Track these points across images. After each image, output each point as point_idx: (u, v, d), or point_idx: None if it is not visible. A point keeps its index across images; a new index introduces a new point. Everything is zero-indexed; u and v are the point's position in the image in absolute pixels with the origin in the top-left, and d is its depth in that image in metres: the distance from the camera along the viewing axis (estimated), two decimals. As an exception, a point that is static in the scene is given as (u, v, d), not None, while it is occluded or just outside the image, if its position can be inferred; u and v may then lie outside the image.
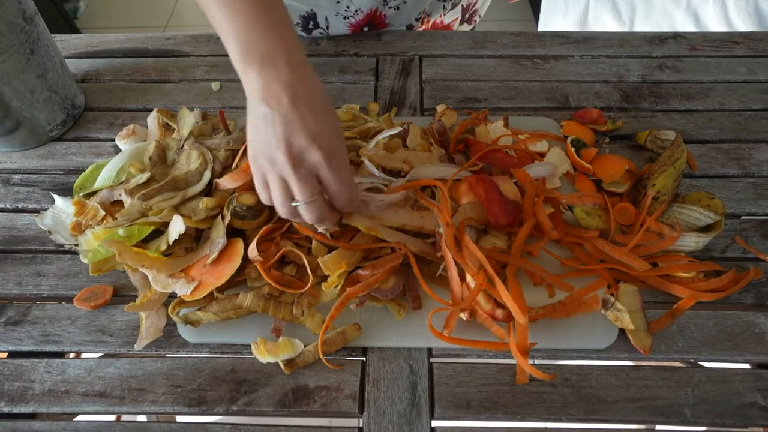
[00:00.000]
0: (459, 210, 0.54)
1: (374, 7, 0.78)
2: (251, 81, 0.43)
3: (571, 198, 0.55)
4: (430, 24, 0.88)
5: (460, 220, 0.52)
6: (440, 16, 0.88)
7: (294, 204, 0.45)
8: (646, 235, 0.54)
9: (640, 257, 0.52)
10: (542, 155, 0.63)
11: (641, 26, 1.27)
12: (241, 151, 0.58)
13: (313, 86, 0.44)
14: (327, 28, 0.80)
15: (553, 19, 1.42)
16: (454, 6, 0.87)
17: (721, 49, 0.78)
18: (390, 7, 0.79)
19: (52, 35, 0.69)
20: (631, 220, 0.56)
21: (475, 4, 0.93)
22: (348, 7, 0.76)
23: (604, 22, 1.32)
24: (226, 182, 0.54)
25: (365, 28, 0.81)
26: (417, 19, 0.84)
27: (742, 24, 1.11)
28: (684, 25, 1.19)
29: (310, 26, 0.80)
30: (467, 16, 0.93)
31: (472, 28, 0.99)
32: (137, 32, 0.84)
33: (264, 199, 0.48)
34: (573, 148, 0.61)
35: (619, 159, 0.61)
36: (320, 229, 0.51)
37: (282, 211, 0.47)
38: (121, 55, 0.80)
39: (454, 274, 0.50)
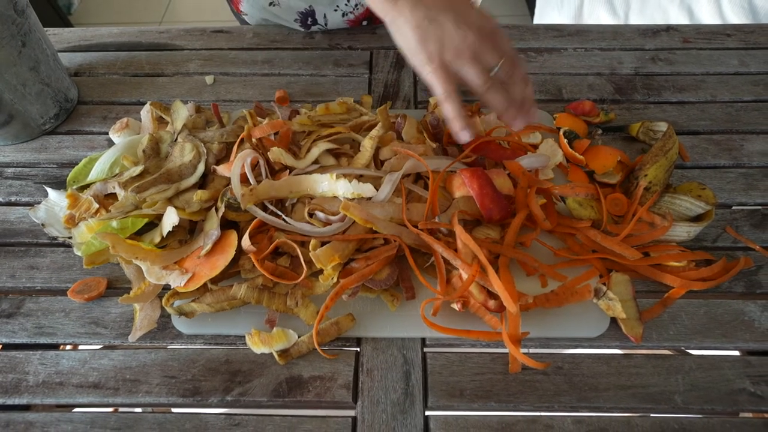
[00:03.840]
0: (453, 204, 0.54)
1: None
2: (404, 3, 0.49)
3: (564, 189, 0.55)
4: None
5: (453, 213, 0.52)
6: None
7: (494, 71, 0.50)
8: (638, 225, 0.55)
9: (632, 247, 0.52)
10: (535, 147, 0.63)
11: (636, 20, 1.27)
12: (237, 143, 0.58)
13: None
14: (325, 24, 0.80)
15: (548, 12, 1.42)
16: None
17: (713, 41, 0.78)
18: None
19: (45, 29, 0.69)
20: (623, 211, 0.56)
21: None
22: (348, 1, 0.76)
23: (599, 16, 1.32)
24: (224, 170, 0.54)
25: (364, 23, 0.81)
26: None
27: (735, 18, 1.11)
28: (678, 19, 1.20)
29: (309, 22, 0.79)
30: None
31: None
32: (131, 27, 0.84)
33: (449, 92, 0.50)
34: (566, 140, 0.61)
35: (611, 150, 0.61)
36: (523, 117, 0.52)
37: (486, 83, 0.49)
38: (115, 48, 0.80)
39: (440, 261, 0.50)
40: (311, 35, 0.81)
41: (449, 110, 0.51)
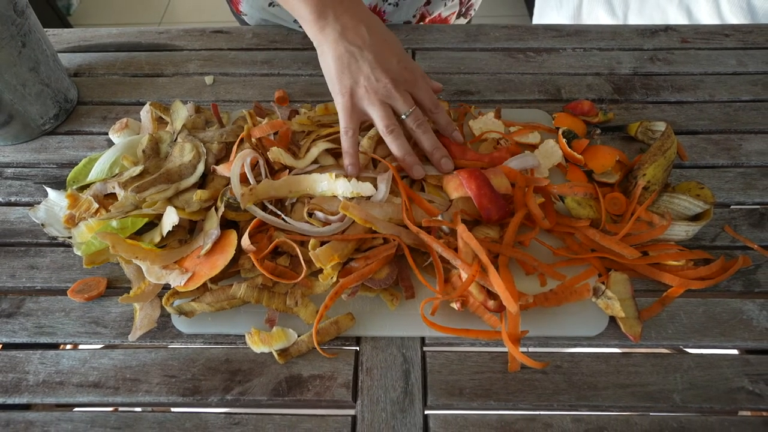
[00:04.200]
0: (452, 204, 0.54)
1: (374, 3, 0.78)
2: (330, 32, 0.51)
3: (562, 188, 0.56)
4: (429, 19, 0.88)
5: (453, 213, 0.52)
6: (439, 13, 0.88)
7: (402, 115, 0.53)
8: (637, 224, 0.55)
9: (630, 246, 0.53)
10: (534, 147, 0.63)
11: (634, 20, 1.27)
12: (236, 143, 0.58)
13: (377, 22, 0.53)
14: None
15: (547, 13, 1.42)
16: None
17: (712, 41, 0.78)
18: (389, 4, 0.79)
19: (45, 30, 0.69)
20: (621, 210, 0.56)
21: None
22: None
23: (598, 16, 1.32)
24: (223, 170, 0.54)
25: None
26: (414, 16, 0.84)
27: (734, 18, 1.11)
28: (677, 19, 1.20)
29: None
30: (464, 9, 0.94)
31: (468, 21, 0.99)
32: (130, 27, 0.84)
33: (350, 130, 0.54)
34: (564, 140, 0.62)
35: (610, 150, 0.61)
36: (440, 165, 0.56)
37: (388, 127, 0.53)
38: (114, 49, 0.80)
39: (437, 260, 0.51)
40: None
41: (344, 145, 0.55)
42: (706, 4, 1.16)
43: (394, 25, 0.83)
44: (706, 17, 1.16)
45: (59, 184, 0.63)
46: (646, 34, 0.80)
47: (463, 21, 0.97)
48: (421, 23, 0.87)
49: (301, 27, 0.80)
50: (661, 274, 0.52)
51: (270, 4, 0.78)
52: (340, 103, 0.53)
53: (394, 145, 0.54)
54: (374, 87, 0.51)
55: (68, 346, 0.54)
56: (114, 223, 0.53)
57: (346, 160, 0.55)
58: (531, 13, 1.73)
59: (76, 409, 0.49)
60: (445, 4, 0.86)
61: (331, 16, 0.51)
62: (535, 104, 0.71)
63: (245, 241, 0.51)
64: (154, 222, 0.55)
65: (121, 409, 0.49)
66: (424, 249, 0.53)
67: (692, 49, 0.77)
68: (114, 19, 2.38)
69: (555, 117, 0.67)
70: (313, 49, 0.77)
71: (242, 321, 0.51)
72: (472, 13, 0.98)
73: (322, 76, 0.75)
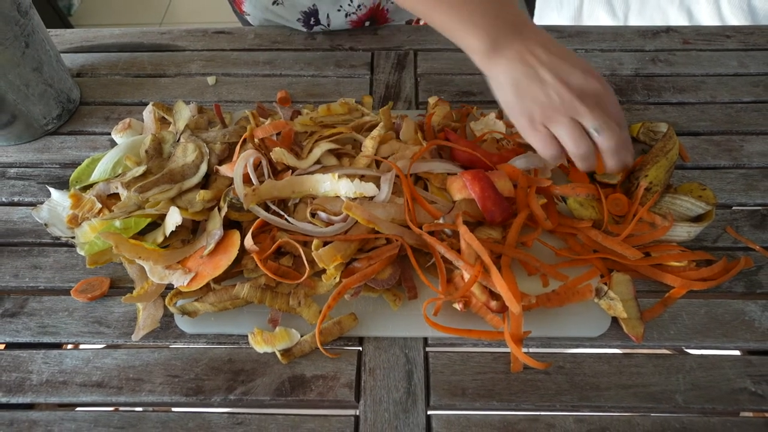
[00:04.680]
0: (455, 206, 0.54)
1: (377, 1, 0.78)
2: (504, 57, 0.47)
3: (564, 189, 0.56)
4: None
5: (456, 214, 0.53)
6: None
7: (593, 131, 0.46)
8: (639, 225, 0.55)
9: (633, 247, 0.53)
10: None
11: (635, 21, 1.27)
12: (239, 143, 0.58)
13: (547, 36, 0.48)
14: (328, 25, 0.80)
15: (548, 13, 1.42)
16: None
17: (713, 42, 0.79)
18: (392, 2, 0.79)
19: (47, 30, 0.69)
20: (623, 211, 0.57)
21: None
22: (351, 1, 0.77)
23: (598, 17, 1.32)
24: (226, 170, 0.55)
25: (366, 23, 0.82)
26: None
27: (735, 19, 1.11)
28: (677, 20, 1.20)
29: (311, 23, 0.80)
30: None
31: None
32: (132, 28, 0.84)
33: (552, 155, 0.48)
34: None
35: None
36: (613, 165, 0.48)
37: (581, 148, 0.46)
38: (117, 49, 0.80)
39: (440, 261, 0.51)
40: (313, 36, 0.81)
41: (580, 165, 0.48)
42: (706, 5, 1.16)
43: (396, 25, 0.83)
44: (707, 18, 1.16)
45: (62, 184, 0.63)
46: (647, 35, 0.80)
47: None
48: (423, 24, 0.87)
49: (303, 27, 0.80)
50: (663, 275, 0.52)
51: (274, 3, 0.78)
52: (529, 133, 0.48)
53: (583, 166, 0.48)
54: (559, 107, 0.45)
55: (69, 346, 0.54)
56: (117, 223, 0.53)
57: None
58: (531, 14, 1.74)
59: (79, 408, 0.49)
60: None
61: (503, 44, 0.47)
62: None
63: (248, 242, 0.51)
64: (157, 222, 0.55)
65: (124, 408, 0.49)
66: (427, 249, 0.53)
67: (694, 50, 0.77)
68: (115, 19, 2.38)
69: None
70: (315, 49, 0.77)
71: (245, 321, 0.51)
72: None
73: (324, 76, 0.75)
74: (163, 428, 0.46)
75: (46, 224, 0.58)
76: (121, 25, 2.33)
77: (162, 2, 2.45)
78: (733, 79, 0.73)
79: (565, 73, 0.46)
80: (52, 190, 0.60)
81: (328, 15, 0.78)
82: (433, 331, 0.50)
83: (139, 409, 0.49)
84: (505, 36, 0.47)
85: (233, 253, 0.51)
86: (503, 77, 0.47)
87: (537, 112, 0.47)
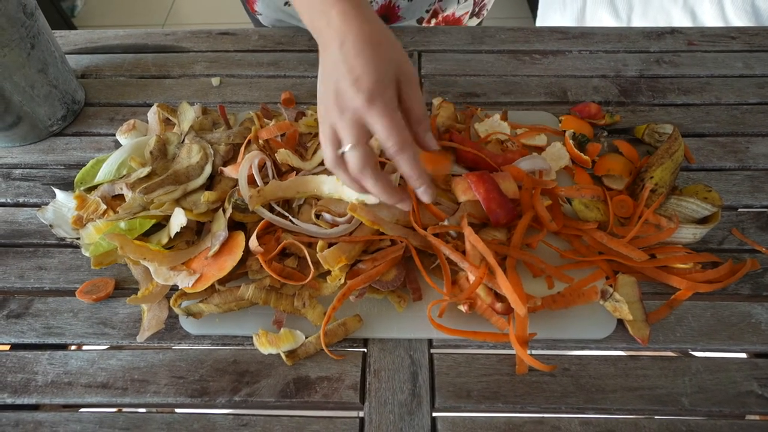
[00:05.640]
0: (460, 207, 0.54)
1: None
2: (317, 38, 0.45)
3: (570, 190, 0.56)
4: (442, 17, 0.88)
5: (461, 216, 0.52)
6: (452, 13, 0.88)
7: (339, 151, 0.44)
8: (644, 227, 0.55)
9: (638, 249, 0.52)
10: (541, 149, 0.63)
11: (638, 22, 1.27)
12: (244, 144, 0.58)
13: (365, 32, 0.42)
14: None
15: (551, 15, 1.42)
16: None
17: (718, 44, 0.78)
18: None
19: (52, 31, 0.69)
20: (629, 213, 0.56)
21: None
22: None
23: (601, 19, 1.32)
24: (231, 171, 0.55)
25: None
26: (428, 11, 0.84)
27: (738, 21, 1.11)
28: (681, 21, 1.20)
29: None
30: (477, 9, 0.94)
31: (480, 22, 0.99)
32: (136, 29, 0.84)
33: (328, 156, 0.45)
34: (574, 142, 0.62)
35: (619, 157, 0.61)
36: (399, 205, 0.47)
37: (327, 159, 0.45)
38: (121, 50, 0.80)
39: (444, 262, 0.51)
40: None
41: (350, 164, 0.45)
42: (710, 6, 1.15)
43: (401, 26, 0.83)
44: (710, 19, 1.16)
45: (67, 185, 0.63)
46: (652, 36, 0.80)
47: (475, 21, 0.97)
48: (427, 25, 0.87)
49: None
50: (668, 277, 0.52)
51: (285, 3, 0.78)
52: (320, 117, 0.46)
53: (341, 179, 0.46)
54: (327, 110, 0.43)
55: (73, 347, 0.54)
56: (122, 224, 0.53)
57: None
58: (534, 15, 1.73)
59: (84, 409, 0.49)
60: (458, 2, 0.86)
61: (317, 20, 0.44)
62: (541, 106, 0.71)
63: (253, 243, 0.51)
64: (162, 223, 0.55)
65: (129, 410, 0.49)
66: (432, 251, 0.53)
67: (698, 51, 0.77)
68: (118, 20, 2.39)
69: (562, 120, 0.67)
70: (317, 50, 0.77)
71: (250, 322, 0.51)
72: (485, 13, 0.98)
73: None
74: (168, 429, 0.46)
75: (51, 225, 0.58)
76: (124, 26, 2.33)
77: (165, 4, 2.46)
78: (738, 80, 0.73)
79: (338, 78, 0.42)
80: (57, 191, 0.60)
81: None
82: (438, 333, 0.50)
83: (144, 410, 0.49)
84: (327, 26, 0.43)
85: (238, 254, 0.51)
86: (321, 61, 0.45)
87: (320, 107, 0.45)
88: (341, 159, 0.44)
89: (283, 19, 0.82)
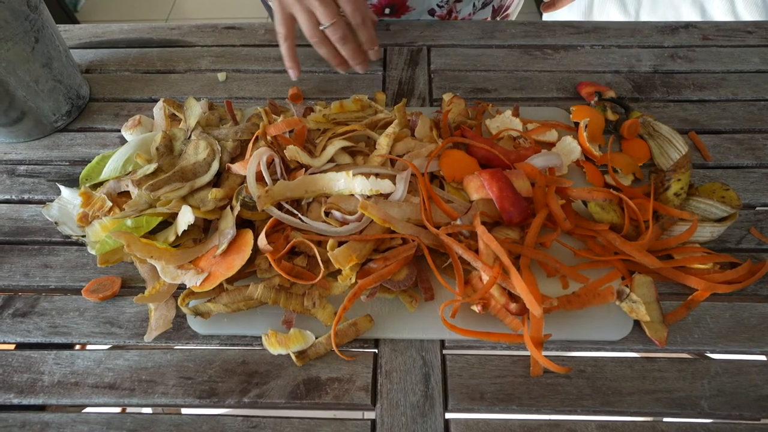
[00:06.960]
0: (472, 206, 0.53)
1: None
2: None
3: (581, 192, 0.54)
4: (457, 18, 0.87)
5: (474, 214, 0.51)
6: (469, 15, 0.87)
7: (322, 27, 0.58)
8: (659, 231, 0.53)
9: (657, 249, 0.51)
10: (552, 145, 0.62)
11: (647, 17, 1.25)
12: (252, 140, 0.57)
13: None
14: None
15: (557, 11, 1.40)
16: (484, 5, 0.86)
17: (734, 38, 0.77)
18: None
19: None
20: (648, 216, 0.55)
21: (507, 7, 0.92)
22: None
23: (609, 14, 1.31)
24: (239, 168, 0.54)
25: (386, 10, 0.80)
26: (440, 6, 0.83)
27: (749, 15, 1.09)
28: (690, 16, 1.18)
29: None
30: (497, 18, 0.93)
31: None
32: (141, 23, 0.83)
33: (281, 35, 0.62)
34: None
35: (628, 157, 0.60)
36: (356, 68, 0.64)
37: (313, 37, 0.59)
38: (126, 45, 0.79)
39: (457, 262, 0.50)
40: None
41: (281, 50, 0.63)
42: (720, 1, 1.14)
43: (409, 21, 0.82)
44: (720, 14, 1.14)
45: (72, 182, 0.62)
46: (666, 31, 0.78)
47: None
48: (437, 19, 0.86)
49: None
50: (686, 278, 0.51)
51: None
52: (275, 10, 0.60)
53: (322, 52, 0.62)
54: None
55: (77, 347, 0.53)
56: (128, 221, 0.52)
57: (286, 64, 0.64)
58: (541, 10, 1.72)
59: (91, 410, 0.48)
60: (474, 6, 0.85)
61: None
62: (552, 102, 0.70)
63: (262, 241, 0.50)
64: (169, 221, 0.54)
65: (135, 410, 0.48)
66: (444, 250, 0.52)
67: (714, 46, 0.76)
68: (122, 14, 2.38)
69: (573, 110, 0.65)
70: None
71: (259, 322, 0.50)
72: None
73: (336, 72, 0.74)
74: (177, 431, 0.45)
75: (56, 222, 0.57)
76: (128, 20, 2.32)
77: (168, -2, 2.45)
78: (755, 75, 0.72)
79: None
80: (62, 187, 0.59)
81: None
82: (451, 334, 0.49)
83: (152, 411, 0.48)
84: None
85: (246, 252, 0.50)
86: None
87: None
88: (323, 34, 0.60)
89: None
